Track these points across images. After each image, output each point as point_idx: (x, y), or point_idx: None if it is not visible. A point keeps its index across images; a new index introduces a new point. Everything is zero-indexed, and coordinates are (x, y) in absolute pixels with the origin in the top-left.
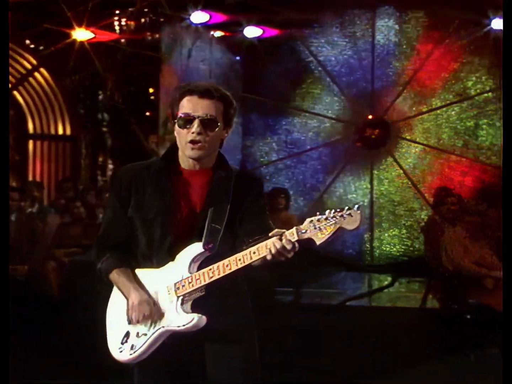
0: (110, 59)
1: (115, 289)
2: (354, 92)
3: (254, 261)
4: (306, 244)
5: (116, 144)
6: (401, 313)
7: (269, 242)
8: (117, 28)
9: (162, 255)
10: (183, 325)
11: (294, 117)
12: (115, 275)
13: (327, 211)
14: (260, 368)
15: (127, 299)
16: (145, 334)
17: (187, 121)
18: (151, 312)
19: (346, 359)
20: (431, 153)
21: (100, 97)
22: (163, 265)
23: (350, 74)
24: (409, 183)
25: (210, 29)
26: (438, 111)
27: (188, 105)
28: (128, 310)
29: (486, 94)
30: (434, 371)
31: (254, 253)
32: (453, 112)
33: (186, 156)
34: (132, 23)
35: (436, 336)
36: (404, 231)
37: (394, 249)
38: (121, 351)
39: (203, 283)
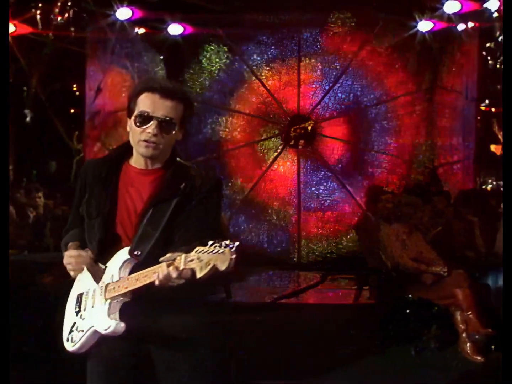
0: (34, 55)
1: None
2: (281, 92)
3: (146, 284)
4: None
5: (40, 142)
6: (335, 310)
7: (157, 267)
8: (41, 22)
9: (102, 252)
10: (104, 330)
11: (220, 115)
12: (64, 248)
13: (210, 243)
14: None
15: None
16: (82, 330)
17: (144, 119)
18: (79, 256)
19: (280, 356)
20: (357, 150)
21: (24, 94)
22: (107, 261)
23: (277, 74)
24: (336, 180)
25: (135, 26)
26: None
27: (147, 103)
28: (79, 301)
29: (413, 95)
30: (372, 366)
31: (145, 276)
32: (379, 111)
33: (138, 154)
34: (57, 17)
35: (373, 331)
36: (332, 228)
37: (322, 246)
38: (67, 341)
39: (128, 289)
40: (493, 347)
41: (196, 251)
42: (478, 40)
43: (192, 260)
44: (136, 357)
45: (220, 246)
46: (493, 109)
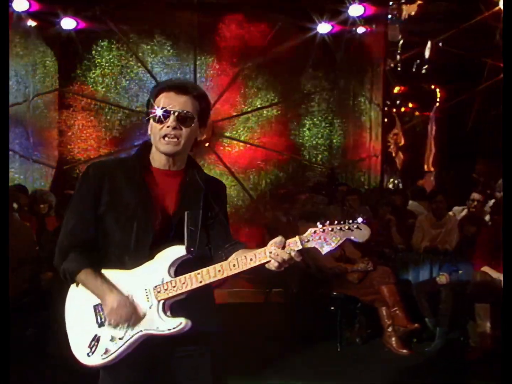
0: None
1: (72, 291)
2: None
3: (249, 268)
4: None
5: None
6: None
7: (271, 249)
8: None
9: (139, 255)
10: (168, 330)
11: (114, 113)
12: (84, 275)
13: (335, 223)
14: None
15: (103, 302)
16: (121, 338)
17: (163, 116)
18: (131, 315)
19: None
20: (254, 151)
21: None
22: (137, 265)
23: (172, 74)
24: (234, 180)
25: (30, 18)
26: (261, 111)
27: (164, 101)
28: (100, 312)
29: (314, 95)
30: (297, 362)
31: (251, 259)
32: (276, 112)
33: (159, 153)
34: None
35: (294, 329)
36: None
37: None
38: (89, 355)
39: (189, 287)
40: (414, 340)
41: (314, 232)
42: (383, 43)
43: (308, 241)
44: (161, 357)
45: (348, 224)
46: (394, 110)
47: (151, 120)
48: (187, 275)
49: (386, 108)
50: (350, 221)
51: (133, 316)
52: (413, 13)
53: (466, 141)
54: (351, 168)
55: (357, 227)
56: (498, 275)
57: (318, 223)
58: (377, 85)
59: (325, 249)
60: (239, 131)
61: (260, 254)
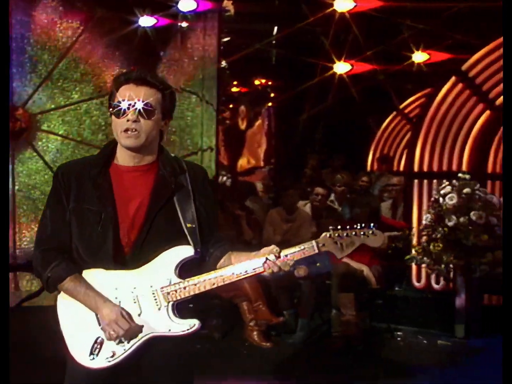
0: None
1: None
2: None
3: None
4: None
5: None
6: None
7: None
8: None
9: (102, 259)
10: (183, 331)
11: None
12: (70, 284)
13: (348, 228)
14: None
15: (99, 313)
16: (129, 342)
17: (123, 109)
18: (131, 325)
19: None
20: (73, 145)
21: None
22: (106, 268)
23: None
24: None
25: None
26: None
27: (124, 93)
28: (98, 323)
29: None
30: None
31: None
32: (94, 106)
33: (123, 149)
34: None
35: None
36: None
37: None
38: (93, 359)
39: (202, 290)
40: (273, 333)
41: (329, 236)
42: (216, 40)
43: (324, 245)
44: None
45: (362, 229)
46: (230, 107)
47: (113, 114)
48: (201, 278)
49: (220, 107)
50: (363, 226)
51: (133, 328)
52: (246, 11)
53: (298, 137)
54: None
55: (373, 233)
56: (358, 265)
57: (330, 227)
58: (209, 83)
59: (341, 254)
60: (57, 124)
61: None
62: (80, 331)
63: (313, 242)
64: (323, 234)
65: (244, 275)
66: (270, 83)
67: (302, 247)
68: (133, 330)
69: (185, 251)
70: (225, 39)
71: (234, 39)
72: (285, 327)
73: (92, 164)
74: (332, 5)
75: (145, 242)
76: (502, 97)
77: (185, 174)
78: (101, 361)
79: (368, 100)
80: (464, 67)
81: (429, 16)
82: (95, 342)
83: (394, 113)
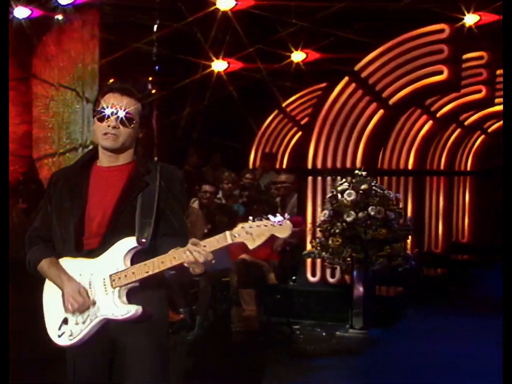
0: None
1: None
2: None
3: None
4: None
5: None
6: None
7: (185, 249)
8: None
9: (70, 250)
10: (122, 315)
11: None
12: (44, 266)
13: (258, 219)
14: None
15: (63, 290)
16: (84, 322)
17: (106, 115)
18: (85, 302)
19: None
20: None
21: None
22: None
23: None
24: None
25: None
26: None
27: (108, 101)
28: (64, 299)
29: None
30: None
31: (173, 258)
32: None
33: (103, 150)
34: None
35: None
36: None
37: None
38: (59, 336)
39: (138, 277)
40: (170, 331)
41: (242, 228)
42: (96, 35)
43: (238, 236)
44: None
45: (273, 220)
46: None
47: (96, 119)
48: (136, 265)
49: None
50: (274, 218)
51: (87, 304)
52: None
53: (180, 134)
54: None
55: (280, 224)
56: (257, 261)
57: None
58: (89, 79)
59: (252, 245)
60: None
61: (176, 253)
62: (53, 311)
63: (227, 232)
64: (238, 225)
65: (169, 263)
66: (150, 78)
67: (217, 237)
68: (87, 306)
69: (130, 243)
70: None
71: (115, 34)
72: (183, 324)
73: (73, 167)
74: (214, 3)
75: (112, 235)
76: (395, 96)
77: (156, 175)
78: (65, 340)
79: (248, 98)
80: (357, 67)
81: (311, 15)
82: (63, 321)
83: (276, 111)
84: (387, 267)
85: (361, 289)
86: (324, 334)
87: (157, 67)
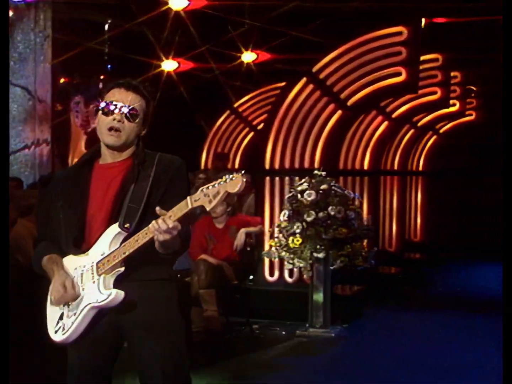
0: None
1: None
2: None
3: (146, 242)
4: None
5: None
6: None
7: (154, 222)
8: None
9: (73, 248)
10: (103, 300)
11: None
12: (43, 262)
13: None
14: (187, 363)
15: (52, 281)
16: (74, 314)
17: (110, 108)
18: (67, 294)
19: None
20: None
21: None
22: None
23: None
24: None
25: None
26: None
27: (114, 96)
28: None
29: None
30: None
31: (145, 234)
32: None
33: (105, 148)
34: None
35: None
36: None
37: None
38: (56, 332)
39: (119, 258)
40: None
41: (201, 191)
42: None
43: (198, 199)
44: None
45: (226, 177)
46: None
47: (100, 112)
48: (125, 243)
49: (54, 102)
50: (227, 175)
51: (68, 296)
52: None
53: None
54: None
55: (231, 179)
56: (217, 262)
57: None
58: (41, 77)
59: (209, 206)
60: None
61: (147, 228)
62: (52, 308)
63: (188, 197)
64: (199, 190)
65: (143, 239)
66: (102, 77)
67: (179, 205)
68: (69, 297)
69: (113, 229)
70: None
71: (67, 32)
72: None
73: (74, 167)
74: (167, 3)
75: (127, 214)
76: (354, 97)
77: (153, 164)
78: (59, 335)
79: (200, 98)
80: (315, 68)
81: (263, 15)
82: (60, 317)
83: (228, 111)
84: (347, 266)
85: (321, 288)
86: (283, 333)
87: (109, 66)
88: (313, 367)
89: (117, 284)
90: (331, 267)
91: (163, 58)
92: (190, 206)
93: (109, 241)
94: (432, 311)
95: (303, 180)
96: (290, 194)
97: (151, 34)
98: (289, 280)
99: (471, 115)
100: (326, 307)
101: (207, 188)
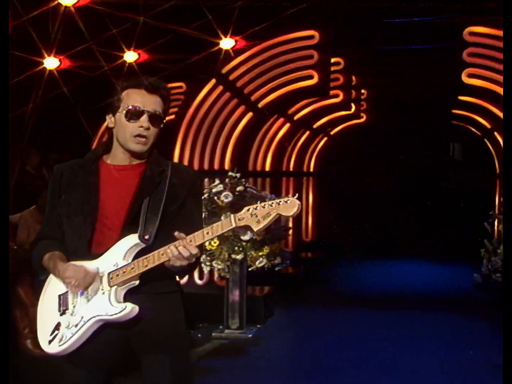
0: None
1: (47, 281)
2: None
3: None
4: None
5: None
6: None
7: (180, 241)
8: None
9: (83, 252)
10: (115, 314)
11: None
12: (46, 259)
13: (267, 201)
14: (193, 374)
15: (60, 273)
16: (76, 325)
17: (136, 114)
18: (87, 274)
19: None
20: None
21: None
22: (85, 257)
23: None
24: None
25: None
26: None
27: (136, 98)
28: (63, 300)
29: None
30: None
31: (162, 254)
32: None
33: (122, 149)
34: None
35: None
36: None
37: None
38: (50, 342)
39: (137, 272)
40: None
41: (247, 210)
42: None
43: (243, 219)
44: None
45: (277, 199)
46: None
47: (122, 116)
48: (135, 260)
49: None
50: (280, 198)
51: (89, 277)
52: None
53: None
54: None
55: (286, 202)
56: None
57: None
58: None
59: (257, 227)
60: None
61: (168, 246)
62: (45, 317)
63: (232, 215)
64: (244, 208)
65: (162, 258)
66: None
67: (222, 222)
68: (91, 279)
69: (132, 239)
70: None
71: None
72: None
73: (83, 162)
74: None
75: (146, 225)
76: (264, 100)
77: (168, 174)
78: (54, 346)
79: (85, 97)
80: (225, 69)
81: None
82: (55, 327)
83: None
84: (265, 267)
85: (236, 289)
86: (199, 335)
87: None
88: (230, 368)
89: (126, 297)
90: (249, 269)
91: (45, 55)
92: (233, 225)
93: (124, 252)
94: (335, 308)
95: (217, 181)
96: (206, 196)
97: (32, 30)
98: (199, 282)
99: (362, 117)
100: (242, 309)
101: (255, 208)
